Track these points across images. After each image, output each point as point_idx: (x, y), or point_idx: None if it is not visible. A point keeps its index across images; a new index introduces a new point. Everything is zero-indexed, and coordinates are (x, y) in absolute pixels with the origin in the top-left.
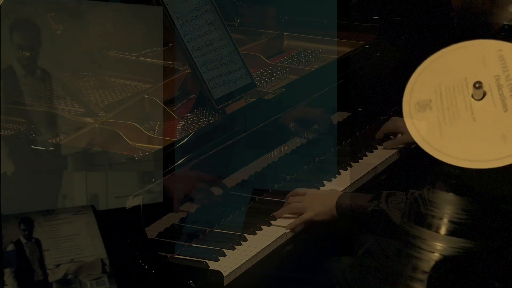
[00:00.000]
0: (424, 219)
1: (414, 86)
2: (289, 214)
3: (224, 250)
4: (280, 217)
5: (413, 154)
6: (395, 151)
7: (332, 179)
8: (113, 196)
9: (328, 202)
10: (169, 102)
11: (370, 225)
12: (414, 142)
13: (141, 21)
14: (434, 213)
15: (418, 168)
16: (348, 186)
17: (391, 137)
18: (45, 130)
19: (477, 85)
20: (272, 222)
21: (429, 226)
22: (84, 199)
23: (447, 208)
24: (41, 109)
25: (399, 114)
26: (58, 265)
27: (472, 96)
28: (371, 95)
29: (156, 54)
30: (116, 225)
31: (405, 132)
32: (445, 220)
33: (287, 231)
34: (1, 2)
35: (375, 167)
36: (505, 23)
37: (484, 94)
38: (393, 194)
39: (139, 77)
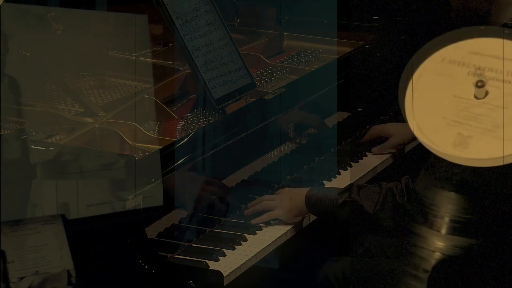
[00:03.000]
0: (401, 209)
1: (413, 84)
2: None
3: (224, 250)
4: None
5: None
6: (394, 151)
7: (332, 179)
8: (84, 204)
9: (297, 197)
10: (169, 102)
11: (340, 217)
12: (403, 144)
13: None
14: (435, 212)
15: (417, 168)
16: None
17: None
18: (44, 130)
19: (479, 84)
20: (272, 222)
21: (430, 225)
22: (54, 208)
23: (447, 207)
24: (41, 109)
25: (399, 114)
26: (22, 278)
27: (474, 95)
28: (371, 95)
29: (156, 54)
30: (116, 226)
31: (394, 135)
32: (446, 219)
33: (286, 230)
34: (1, 2)
35: (375, 167)
36: (506, 21)
37: (486, 93)
38: (364, 187)
39: (139, 77)
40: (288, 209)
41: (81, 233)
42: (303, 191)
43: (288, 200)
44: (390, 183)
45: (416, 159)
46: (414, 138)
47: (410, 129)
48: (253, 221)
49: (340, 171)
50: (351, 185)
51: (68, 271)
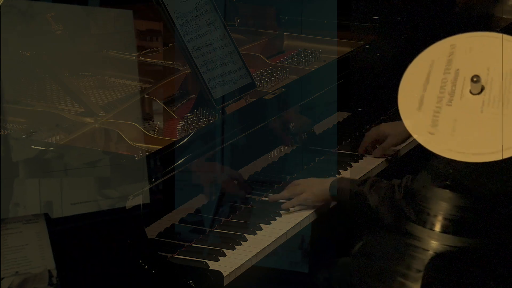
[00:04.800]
0: (397, 206)
1: (409, 81)
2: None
3: (224, 250)
4: (286, 210)
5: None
6: (394, 152)
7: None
8: (68, 203)
9: (325, 184)
10: (169, 102)
11: (353, 207)
12: (401, 143)
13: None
14: (428, 210)
15: (416, 168)
16: None
17: (376, 145)
18: (44, 130)
19: (475, 79)
20: (272, 222)
21: (424, 223)
22: (37, 206)
23: (441, 205)
24: (41, 109)
25: (399, 114)
26: (1, 279)
27: (470, 90)
28: (371, 95)
29: (156, 54)
30: (116, 225)
31: (391, 134)
32: (440, 218)
33: (286, 230)
34: (1, 2)
35: (375, 167)
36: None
37: (482, 88)
38: (380, 181)
39: (139, 77)
40: (316, 193)
41: (81, 232)
42: (329, 180)
43: (318, 185)
44: (396, 180)
45: (417, 159)
46: (410, 135)
47: (404, 127)
48: (284, 206)
49: (340, 171)
50: (368, 177)
51: (49, 271)
